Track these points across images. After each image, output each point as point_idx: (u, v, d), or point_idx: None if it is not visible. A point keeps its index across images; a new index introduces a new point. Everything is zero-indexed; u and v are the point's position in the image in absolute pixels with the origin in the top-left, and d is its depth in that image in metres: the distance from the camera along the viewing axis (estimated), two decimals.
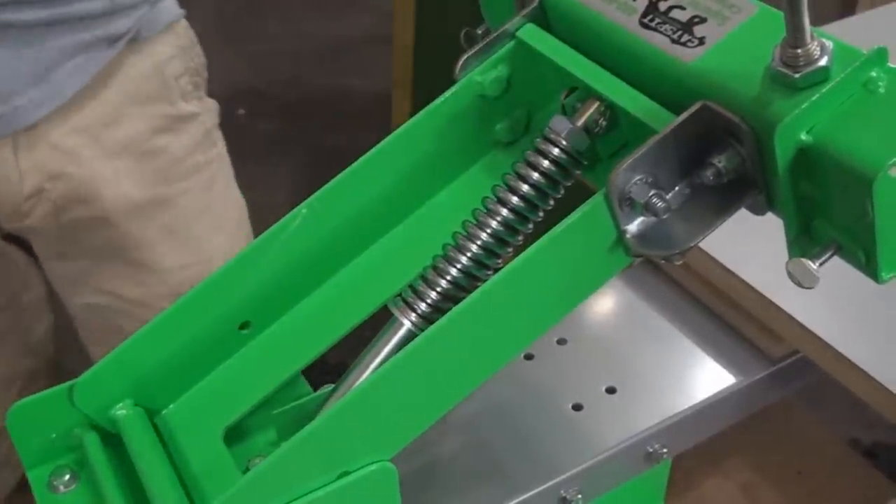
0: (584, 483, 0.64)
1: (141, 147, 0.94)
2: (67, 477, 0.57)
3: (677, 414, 0.67)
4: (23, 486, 1.32)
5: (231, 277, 0.57)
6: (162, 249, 0.99)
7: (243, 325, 0.59)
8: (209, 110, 1.02)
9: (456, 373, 0.51)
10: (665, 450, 0.66)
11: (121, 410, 0.57)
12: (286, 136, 2.41)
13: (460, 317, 0.48)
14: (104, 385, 0.56)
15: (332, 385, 0.58)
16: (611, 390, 0.69)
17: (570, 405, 0.68)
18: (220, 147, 1.05)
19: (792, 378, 0.73)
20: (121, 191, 0.94)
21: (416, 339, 0.49)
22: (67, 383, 0.56)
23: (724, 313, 0.75)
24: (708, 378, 0.70)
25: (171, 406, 0.59)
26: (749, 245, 0.72)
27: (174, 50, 0.95)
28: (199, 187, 1.00)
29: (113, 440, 0.57)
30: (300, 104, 2.50)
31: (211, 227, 1.03)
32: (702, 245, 0.75)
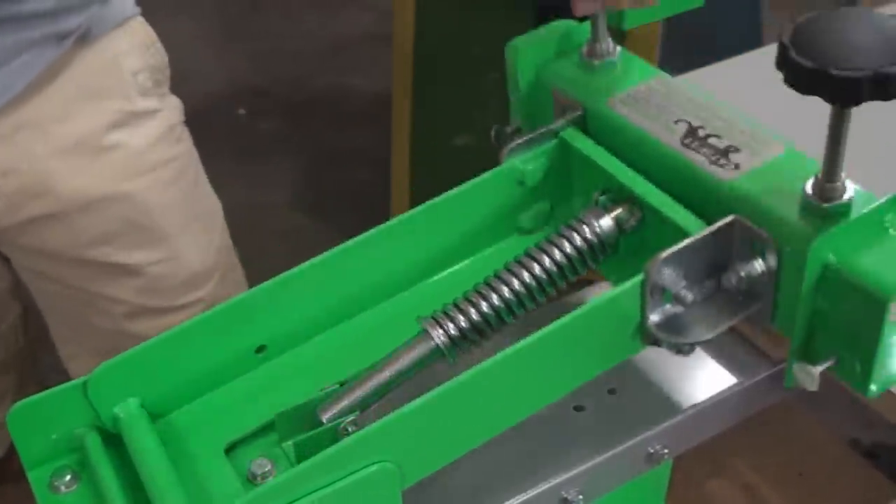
0: (585, 483, 0.64)
1: (96, 142, 0.94)
2: (68, 477, 0.57)
3: (678, 415, 0.67)
4: (12, 474, 1.32)
5: (254, 302, 0.59)
6: (123, 245, 0.99)
7: (260, 349, 0.61)
8: (172, 107, 1.02)
9: (471, 424, 0.55)
10: (666, 450, 0.66)
11: (125, 409, 0.57)
12: (286, 135, 2.41)
13: (486, 371, 0.52)
14: (118, 379, 0.57)
15: (332, 385, 0.58)
16: (611, 391, 0.69)
17: (571, 406, 0.68)
18: (187, 144, 1.04)
19: None
20: (75, 186, 0.93)
21: (440, 387, 0.52)
22: (69, 383, 0.56)
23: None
24: (708, 379, 0.70)
25: (177, 411, 0.59)
26: None
27: (129, 46, 0.95)
28: (163, 183, 0.99)
29: (113, 440, 0.57)
30: (301, 103, 2.50)
31: (178, 223, 1.02)
32: None
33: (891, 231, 0.52)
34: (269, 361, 0.62)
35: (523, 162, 0.64)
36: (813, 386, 0.54)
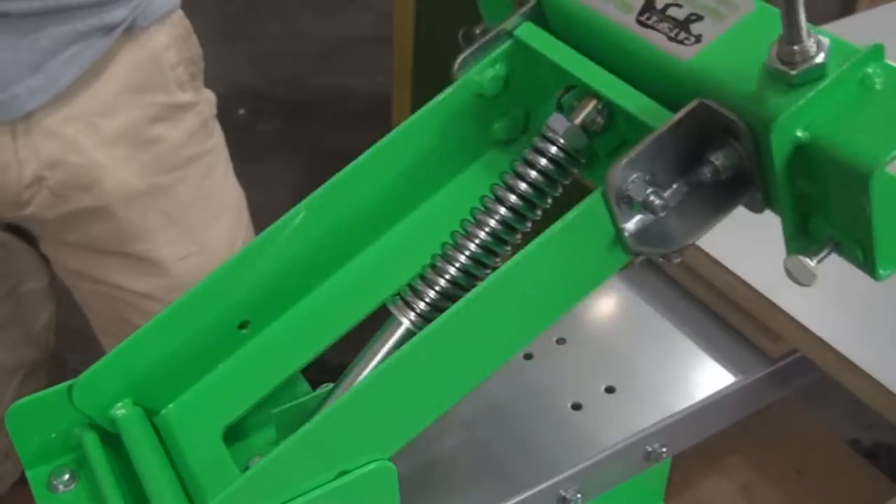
0: (584, 482, 0.64)
1: (138, 135, 0.95)
2: (67, 476, 0.57)
3: (676, 413, 0.67)
4: (25, 479, 1.32)
5: (230, 276, 0.57)
6: (160, 239, 1.00)
7: (242, 325, 0.59)
8: (206, 100, 1.03)
9: (453, 372, 0.51)
10: (664, 449, 0.66)
11: (120, 410, 0.57)
12: (286, 136, 2.41)
13: (457, 316, 0.48)
14: (103, 384, 0.56)
15: (331, 384, 0.58)
16: (610, 390, 0.69)
17: (569, 405, 0.68)
18: (218, 138, 1.05)
19: (792, 378, 0.73)
20: (119, 179, 0.95)
21: (414, 339, 0.49)
22: (67, 383, 0.56)
23: (724, 313, 0.75)
24: (707, 377, 0.70)
25: (171, 405, 0.59)
26: (749, 245, 0.72)
27: (170, 39, 0.96)
28: (196, 177, 1.01)
29: (112, 439, 0.57)
30: (300, 104, 2.50)
31: (208, 216, 1.03)
32: (702, 245, 0.76)
33: (877, 87, 0.44)
34: (254, 337, 0.60)
35: (478, 72, 0.57)
36: (809, 280, 0.46)
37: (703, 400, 0.68)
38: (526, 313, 0.51)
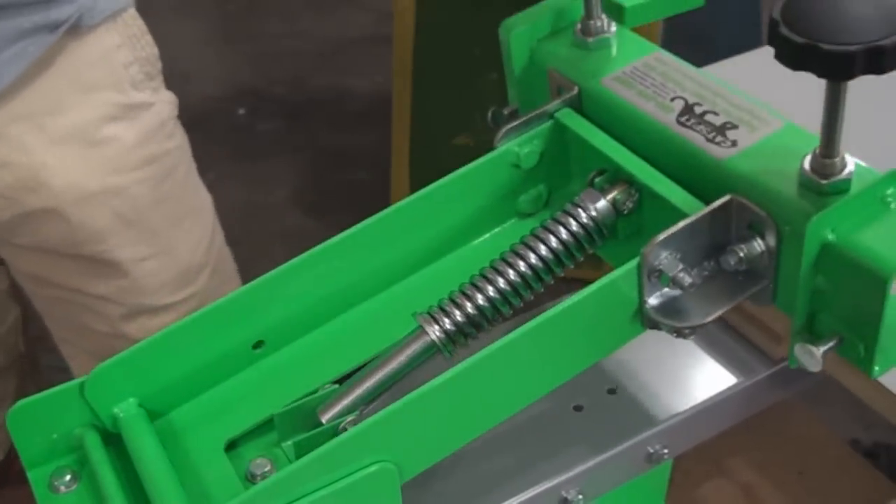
0: (585, 483, 0.64)
1: (89, 135, 0.93)
2: (68, 477, 0.56)
3: (678, 414, 0.67)
4: (13, 477, 1.31)
5: (251, 297, 0.59)
6: (116, 240, 0.98)
7: (257, 345, 0.60)
8: (165, 101, 1.01)
9: (471, 412, 0.54)
10: (666, 450, 0.66)
11: (123, 410, 0.57)
12: (286, 136, 2.41)
13: (482, 361, 0.51)
14: (115, 380, 0.56)
15: (333, 385, 0.58)
16: (611, 391, 0.69)
17: (570, 406, 0.68)
18: (180, 139, 1.04)
19: (793, 379, 0.73)
20: (69, 180, 0.93)
21: (441, 377, 0.51)
22: (69, 383, 0.56)
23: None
24: (708, 378, 0.70)
25: (175, 411, 0.59)
26: None
27: (122, 38, 0.94)
28: (155, 178, 0.99)
29: (113, 440, 0.57)
30: (300, 104, 2.50)
31: (169, 218, 1.02)
32: None
33: (892, 206, 0.50)
34: (266, 357, 0.61)
35: (518, 145, 0.62)
36: (816, 367, 0.52)
37: (705, 401, 0.68)
38: (543, 367, 0.55)
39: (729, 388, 0.69)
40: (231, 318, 0.59)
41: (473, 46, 1.69)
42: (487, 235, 0.65)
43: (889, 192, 0.50)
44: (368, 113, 2.36)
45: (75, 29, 0.90)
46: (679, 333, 0.54)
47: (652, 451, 0.66)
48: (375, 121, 2.15)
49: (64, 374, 1.14)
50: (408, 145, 1.87)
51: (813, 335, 0.53)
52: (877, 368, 0.52)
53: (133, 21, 0.96)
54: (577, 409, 0.68)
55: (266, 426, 0.60)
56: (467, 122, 1.74)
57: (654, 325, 0.54)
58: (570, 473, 0.63)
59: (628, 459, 0.66)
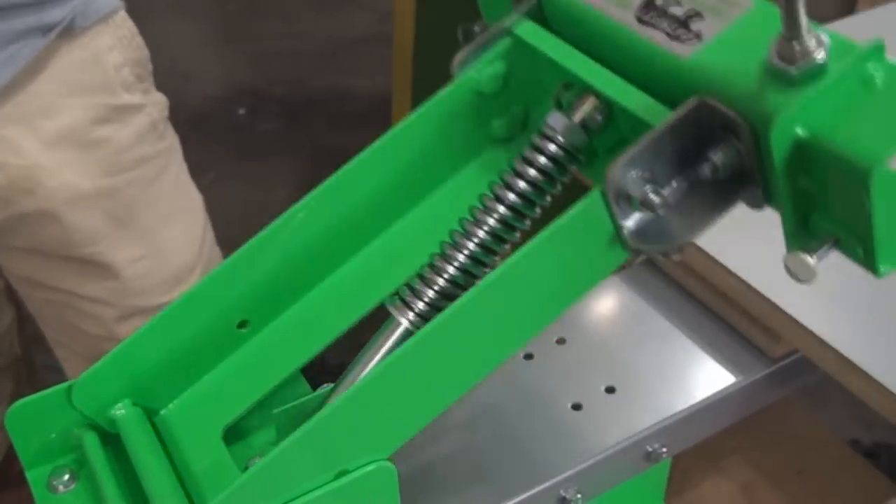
0: (584, 483, 0.64)
1: (82, 137, 0.93)
2: (67, 477, 0.56)
3: (677, 413, 0.67)
4: (12, 478, 1.31)
5: (228, 276, 0.57)
6: (109, 242, 0.98)
7: (241, 324, 0.59)
8: (156, 103, 1.01)
9: (452, 371, 0.51)
10: (664, 449, 0.66)
11: (119, 410, 0.57)
12: (286, 135, 2.41)
13: (456, 315, 0.48)
14: (102, 385, 0.56)
15: (331, 384, 0.58)
16: (610, 390, 0.69)
17: (569, 405, 0.68)
18: (171, 141, 1.04)
19: (792, 378, 0.73)
20: (63, 181, 0.93)
21: (412, 339, 0.49)
22: (66, 383, 0.56)
23: (724, 313, 0.75)
24: (707, 377, 0.70)
25: (170, 405, 0.59)
26: (749, 245, 0.72)
27: (113, 41, 0.94)
28: (146, 179, 0.99)
29: (112, 440, 0.57)
30: (300, 104, 2.50)
31: (160, 219, 1.02)
32: (702, 245, 0.75)
33: (876, 84, 0.43)
34: (253, 336, 0.60)
35: (478, 70, 0.57)
36: (809, 276, 0.46)
37: (704, 400, 0.68)
38: (525, 311, 0.51)
39: (728, 387, 0.69)
40: (210, 299, 0.57)
41: None
42: (467, 168, 0.60)
43: (870, 68, 0.44)
44: (368, 113, 2.36)
45: (68, 31, 0.90)
46: (665, 256, 0.49)
47: (651, 449, 0.66)
48: (375, 121, 2.15)
49: (60, 373, 1.14)
50: None
51: (808, 240, 0.47)
52: (882, 268, 0.46)
53: (123, 23, 0.96)
54: (576, 408, 0.68)
55: (266, 426, 0.60)
56: None
57: (638, 251, 0.49)
58: (569, 472, 0.63)
59: (627, 458, 0.66)
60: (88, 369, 0.55)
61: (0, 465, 1.28)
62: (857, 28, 1.08)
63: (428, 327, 0.49)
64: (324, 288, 0.59)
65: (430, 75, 1.77)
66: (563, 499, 0.63)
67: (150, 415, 0.58)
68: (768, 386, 0.72)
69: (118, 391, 0.56)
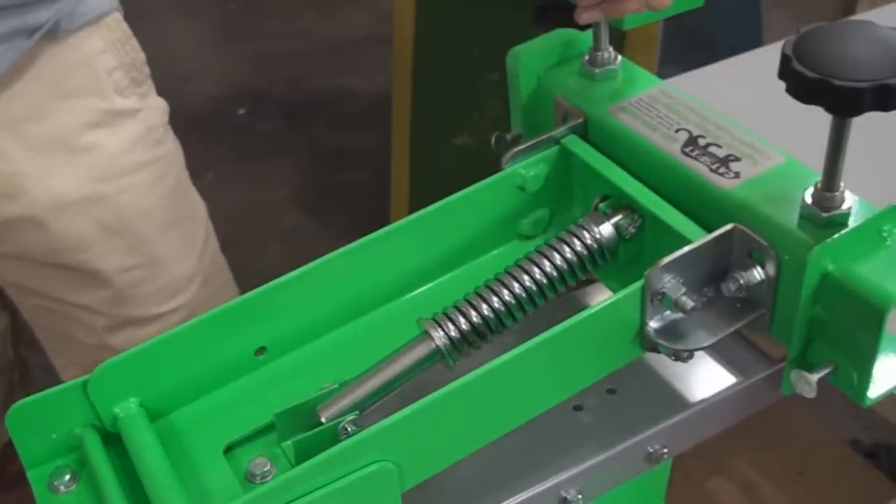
0: (585, 483, 0.64)
1: (71, 142, 0.91)
2: (68, 477, 0.57)
3: (677, 414, 0.67)
4: (5, 480, 1.30)
5: (256, 304, 0.59)
6: (99, 249, 0.96)
7: (259, 351, 0.61)
8: (154, 108, 0.99)
9: (475, 424, 0.55)
10: (665, 450, 0.66)
11: (124, 409, 0.57)
12: (286, 135, 2.41)
13: (485, 376, 0.52)
14: (118, 379, 0.57)
15: (332, 384, 0.58)
16: (611, 390, 0.69)
17: (570, 405, 0.68)
18: (170, 147, 1.01)
19: None
20: (48, 187, 0.91)
21: (444, 388, 0.52)
22: (69, 382, 0.56)
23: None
24: (708, 378, 0.70)
25: (176, 412, 0.59)
26: None
27: (105, 43, 0.92)
28: (143, 186, 0.96)
29: (113, 440, 0.57)
30: (300, 104, 2.50)
31: (157, 227, 0.99)
32: None
33: (888, 241, 0.52)
34: (268, 363, 0.62)
35: (525, 168, 0.64)
36: (811, 393, 0.55)
37: (704, 401, 0.68)
38: (544, 383, 0.57)
39: (728, 388, 0.69)
40: (234, 324, 0.59)
41: (473, 46, 1.69)
42: (488, 255, 0.67)
43: (886, 227, 0.52)
44: (368, 113, 2.36)
45: (53, 34, 0.87)
46: (677, 356, 0.56)
47: (651, 450, 0.66)
48: (375, 121, 2.15)
49: (56, 376, 1.13)
50: (408, 145, 1.87)
51: (808, 362, 0.55)
52: (870, 396, 0.53)
53: (117, 25, 0.94)
54: (577, 408, 0.68)
55: (267, 425, 0.60)
56: (467, 122, 1.74)
57: (654, 348, 0.56)
58: (570, 473, 0.63)
59: (628, 459, 0.66)
60: (107, 360, 0.56)
61: None
62: None
63: (460, 381, 0.52)
64: (342, 332, 0.64)
65: (430, 75, 1.77)
66: (564, 499, 0.63)
67: (154, 417, 0.58)
68: (769, 387, 0.72)
69: (130, 387, 0.57)
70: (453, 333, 0.58)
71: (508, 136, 0.69)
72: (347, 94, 2.52)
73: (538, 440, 0.65)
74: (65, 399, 0.56)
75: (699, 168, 0.59)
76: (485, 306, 0.59)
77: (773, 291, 0.55)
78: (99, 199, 0.94)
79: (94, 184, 0.93)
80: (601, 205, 0.62)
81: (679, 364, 0.71)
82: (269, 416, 0.58)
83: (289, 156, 2.32)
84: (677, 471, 0.73)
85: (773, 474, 0.90)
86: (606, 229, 0.61)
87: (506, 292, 0.60)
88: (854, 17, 1.22)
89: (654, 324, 0.56)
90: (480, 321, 0.59)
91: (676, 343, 0.56)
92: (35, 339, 1.13)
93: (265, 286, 0.59)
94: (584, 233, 0.61)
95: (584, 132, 0.66)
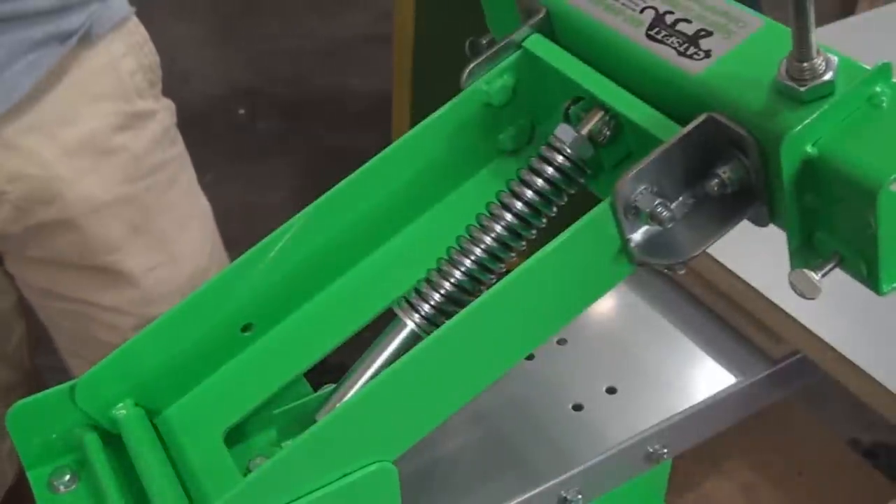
0: (585, 483, 0.64)
1: (100, 145, 0.93)
2: (68, 477, 0.56)
3: (677, 414, 0.67)
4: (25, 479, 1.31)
5: (233, 280, 0.57)
6: (128, 250, 0.98)
7: (245, 328, 0.59)
8: (166, 109, 1.01)
9: (457, 378, 0.51)
10: (665, 450, 0.66)
11: (121, 410, 0.57)
12: (286, 135, 2.41)
13: (463, 322, 0.49)
14: (105, 384, 0.56)
15: (333, 385, 0.58)
16: (611, 390, 0.69)
17: (570, 405, 0.68)
18: (180, 146, 1.04)
19: (792, 378, 0.73)
20: (82, 190, 0.93)
21: (419, 345, 0.49)
22: (69, 383, 0.56)
23: (724, 313, 0.75)
24: (708, 378, 0.70)
25: (172, 407, 0.59)
26: (750, 245, 0.72)
27: (127, 47, 0.94)
28: (162, 185, 0.99)
29: (113, 440, 0.57)
30: (300, 104, 2.50)
31: (176, 225, 1.02)
32: None
33: (884, 105, 0.44)
34: (257, 340, 0.60)
35: (487, 82, 0.57)
36: (814, 293, 0.47)
37: (705, 401, 0.68)
38: (530, 321, 0.51)
39: (728, 388, 0.69)
40: (215, 303, 0.57)
41: None
42: (472, 179, 0.60)
43: (878, 89, 0.44)
44: (368, 113, 2.35)
45: (86, 38, 0.90)
46: (670, 269, 0.50)
47: (651, 450, 0.66)
48: (375, 121, 2.15)
49: (63, 375, 1.13)
50: None
51: (812, 257, 0.48)
52: (885, 287, 0.47)
53: (136, 29, 0.97)
54: (577, 408, 0.68)
55: (267, 427, 0.60)
56: None
57: (643, 264, 0.50)
58: (570, 473, 0.63)
59: (628, 459, 0.66)
60: (91, 369, 0.55)
61: (11, 487, 1.27)
62: (857, 29, 1.08)
63: (435, 334, 0.49)
64: (329, 293, 0.60)
65: (430, 75, 1.77)
66: (564, 499, 0.63)
67: (152, 415, 0.58)
68: (769, 386, 0.72)
69: (120, 391, 0.56)
70: (427, 310, 0.54)
71: (484, 41, 0.60)
72: (347, 94, 2.52)
73: (538, 440, 0.65)
74: (64, 399, 0.56)
75: (666, 53, 0.51)
76: (456, 271, 0.54)
77: (766, 180, 0.47)
78: (128, 200, 0.96)
79: (123, 185, 0.96)
80: (573, 108, 0.55)
81: (679, 364, 0.71)
82: (264, 395, 0.57)
83: (289, 156, 2.32)
84: (677, 471, 0.73)
85: (772, 474, 0.90)
86: (576, 141, 0.53)
87: (477, 249, 0.54)
88: (853, 18, 1.22)
89: (637, 237, 0.49)
90: (454, 288, 0.54)
91: (665, 256, 0.49)
92: (40, 339, 1.13)
93: (240, 259, 0.56)
94: (554, 153, 0.53)
95: (549, 30, 0.57)
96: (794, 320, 0.71)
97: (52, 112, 0.90)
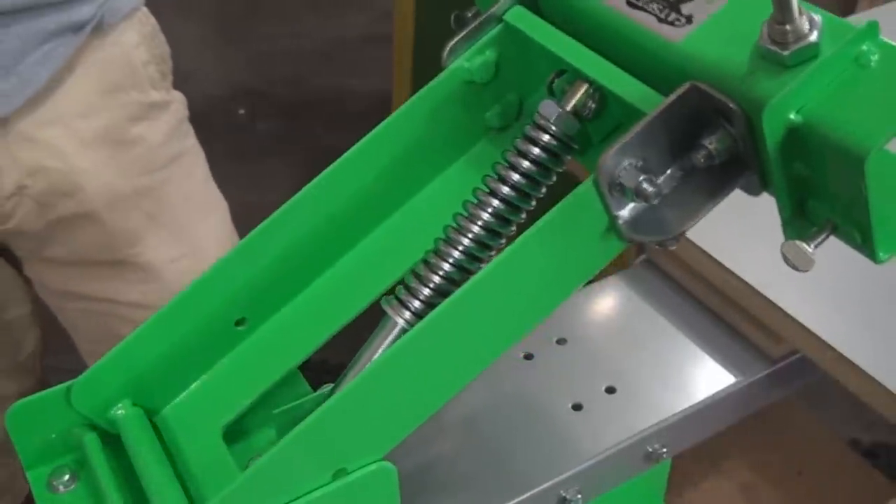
0: (584, 483, 0.64)
1: (118, 136, 0.93)
2: (67, 477, 0.56)
3: (677, 414, 0.67)
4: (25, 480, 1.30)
5: (224, 274, 0.56)
6: (149, 242, 0.98)
7: (239, 322, 0.58)
8: (178, 100, 1.01)
9: (448, 367, 0.51)
10: (665, 450, 0.66)
11: (119, 410, 0.57)
12: (286, 136, 2.41)
13: (449, 311, 0.48)
14: (101, 386, 0.56)
15: (331, 384, 0.58)
16: (610, 390, 0.69)
17: (569, 405, 0.68)
18: (194, 139, 1.04)
19: (792, 378, 0.73)
20: (102, 182, 0.93)
21: (406, 336, 0.49)
22: (66, 384, 0.56)
23: (724, 313, 0.75)
24: (708, 378, 0.70)
25: (170, 405, 0.59)
26: (749, 244, 0.72)
27: (139, 37, 0.94)
28: (179, 176, 0.99)
29: (112, 440, 0.57)
30: (300, 104, 2.50)
31: (196, 216, 1.02)
32: (702, 244, 0.75)
33: (872, 64, 0.42)
34: (251, 333, 0.59)
35: (468, 59, 0.55)
36: (807, 265, 0.45)
37: (704, 400, 0.68)
38: (520, 305, 0.50)
39: (728, 388, 0.69)
40: (207, 298, 0.56)
41: None
42: (463, 158, 0.59)
43: (864, 49, 0.42)
44: (368, 113, 2.35)
45: (98, 28, 0.89)
46: (661, 245, 0.48)
47: (651, 450, 0.66)
48: (375, 121, 2.13)
49: (65, 375, 1.13)
50: None
51: (806, 225, 0.46)
52: (881, 254, 0.45)
53: (147, 19, 0.96)
54: (576, 408, 0.68)
55: (266, 426, 0.60)
56: None
57: (632, 240, 0.48)
58: (569, 473, 0.63)
59: (627, 459, 0.66)
60: (86, 371, 0.55)
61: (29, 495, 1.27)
62: None
63: (421, 324, 0.48)
64: (321, 283, 0.59)
65: (430, 75, 1.77)
66: (564, 499, 0.63)
67: (150, 415, 0.58)
68: (768, 386, 0.72)
69: (117, 392, 0.56)
70: (417, 305, 0.53)
71: (469, 14, 0.58)
72: (347, 94, 2.52)
73: (538, 440, 0.65)
74: (64, 399, 0.56)
75: (646, 20, 0.48)
76: (444, 263, 0.52)
77: (754, 148, 0.45)
78: (146, 192, 0.96)
79: (142, 176, 0.95)
80: (557, 81, 0.53)
81: (679, 364, 0.71)
82: (261, 388, 0.57)
83: (288, 156, 2.32)
84: (676, 471, 0.73)
85: (772, 474, 0.90)
86: (560, 117, 0.51)
87: (464, 239, 0.52)
88: (853, 18, 1.22)
89: (625, 214, 0.46)
90: (443, 280, 0.52)
91: (655, 233, 0.47)
92: (44, 340, 1.13)
93: (228, 253, 0.56)
94: (538, 131, 0.52)
95: (531, 3, 0.55)
96: (794, 320, 0.71)
97: (69, 104, 0.90)
